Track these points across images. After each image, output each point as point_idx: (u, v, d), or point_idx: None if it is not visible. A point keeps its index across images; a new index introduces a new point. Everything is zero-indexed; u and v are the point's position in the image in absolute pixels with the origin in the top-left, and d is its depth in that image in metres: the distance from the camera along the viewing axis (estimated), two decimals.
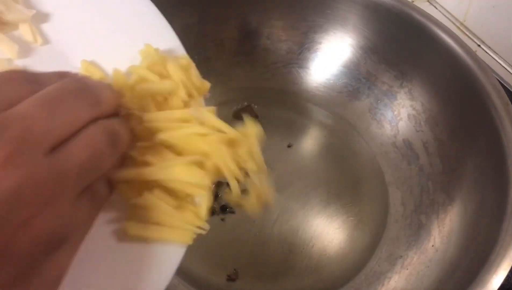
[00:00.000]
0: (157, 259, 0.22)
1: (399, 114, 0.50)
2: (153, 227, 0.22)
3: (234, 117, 0.53)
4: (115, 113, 0.21)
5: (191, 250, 0.23)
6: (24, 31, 0.26)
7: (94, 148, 0.18)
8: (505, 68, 0.60)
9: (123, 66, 0.24)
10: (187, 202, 0.23)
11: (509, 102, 0.40)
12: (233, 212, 0.45)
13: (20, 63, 0.25)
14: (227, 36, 0.53)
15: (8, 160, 0.15)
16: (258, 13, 0.53)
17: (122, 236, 0.22)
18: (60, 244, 0.17)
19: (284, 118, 0.53)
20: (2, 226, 0.14)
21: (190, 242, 0.22)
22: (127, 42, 0.26)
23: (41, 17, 0.27)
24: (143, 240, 0.22)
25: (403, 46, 0.49)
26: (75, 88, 0.18)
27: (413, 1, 0.65)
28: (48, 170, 0.16)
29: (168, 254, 0.22)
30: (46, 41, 0.26)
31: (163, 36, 0.27)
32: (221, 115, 0.23)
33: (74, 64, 0.25)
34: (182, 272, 0.42)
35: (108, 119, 0.19)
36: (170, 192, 0.22)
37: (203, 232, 0.23)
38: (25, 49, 0.26)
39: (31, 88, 0.17)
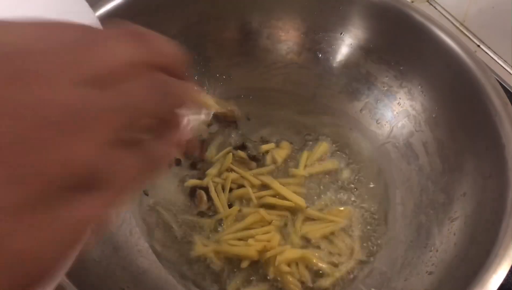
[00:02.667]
0: None
1: (399, 114, 0.50)
2: None
3: (212, 118, 0.52)
4: (180, 76, 0.19)
5: None
6: None
7: (132, 97, 0.16)
8: (505, 68, 0.60)
9: None
10: None
11: (509, 102, 0.40)
12: None
13: None
14: (227, 36, 0.53)
15: (33, 81, 0.14)
16: (258, 13, 0.53)
17: None
18: (90, 186, 0.15)
19: (284, 118, 0.53)
20: (22, 140, 0.13)
21: None
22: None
23: None
24: None
25: (403, 46, 0.49)
26: (125, 32, 0.17)
27: (412, 1, 0.65)
28: (74, 98, 0.15)
29: None
30: None
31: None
32: None
33: None
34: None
35: (164, 74, 0.18)
36: None
37: None
38: None
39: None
